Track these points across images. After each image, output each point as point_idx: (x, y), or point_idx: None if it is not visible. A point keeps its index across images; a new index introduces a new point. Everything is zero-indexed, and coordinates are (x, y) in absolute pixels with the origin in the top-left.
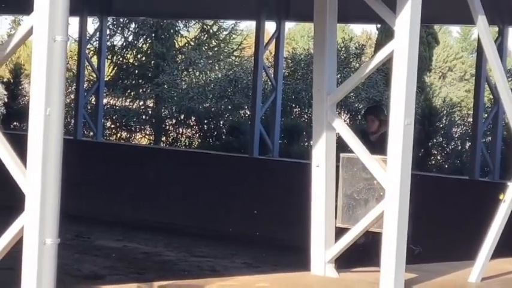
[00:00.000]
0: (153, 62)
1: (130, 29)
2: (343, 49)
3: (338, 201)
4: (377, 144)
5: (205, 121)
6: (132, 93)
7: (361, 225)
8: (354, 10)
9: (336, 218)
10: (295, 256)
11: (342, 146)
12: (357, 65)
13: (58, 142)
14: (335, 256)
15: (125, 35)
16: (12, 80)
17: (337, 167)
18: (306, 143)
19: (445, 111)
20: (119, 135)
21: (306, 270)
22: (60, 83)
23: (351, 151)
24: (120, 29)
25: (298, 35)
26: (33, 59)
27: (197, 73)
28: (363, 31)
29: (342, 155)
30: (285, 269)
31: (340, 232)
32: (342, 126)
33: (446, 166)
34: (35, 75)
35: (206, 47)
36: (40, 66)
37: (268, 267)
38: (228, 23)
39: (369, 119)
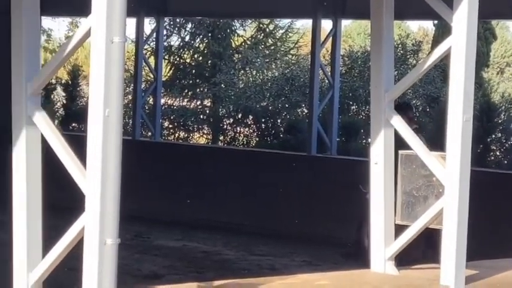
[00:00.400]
0: (210, 61)
1: (187, 29)
2: (400, 46)
3: (397, 198)
4: None
5: (263, 120)
6: (189, 93)
7: (421, 222)
8: (410, 7)
9: (395, 215)
10: None
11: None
12: (414, 61)
13: (117, 143)
14: (395, 253)
15: (182, 35)
16: (70, 82)
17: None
18: (364, 141)
19: (503, 107)
20: (176, 135)
21: (365, 267)
22: (118, 84)
23: (408, 148)
24: (176, 29)
25: (354, 32)
26: (91, 61)
27: (254, 72)
28: (419, 27)
29: (400, 152)
30: (344, 266)
31: (399, 229)
32: (399, 123)
33: (506, 162)
34: (93, 77)
35: (263, 46)
36: (98, 68)
37: (328, 265)
38: (285, 22)
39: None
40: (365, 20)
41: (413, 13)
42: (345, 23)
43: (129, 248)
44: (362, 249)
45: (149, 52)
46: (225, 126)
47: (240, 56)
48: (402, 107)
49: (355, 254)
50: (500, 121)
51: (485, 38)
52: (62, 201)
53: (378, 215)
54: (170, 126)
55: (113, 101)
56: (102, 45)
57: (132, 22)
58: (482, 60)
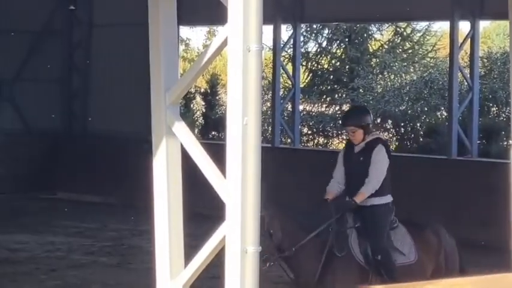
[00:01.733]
0: (347, 66)
1: (324, 34)
2: None
3: None
4: (363, 155)
5: (402, 124)
6: (327, 98)
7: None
8: None
9: None
10: (497, 257)
11: None
12: None
13: (256, 150)
14: None
15: (319, 41)
16: (209, 90)
17: None
18: (505, 143)
19: None
20: (316, 141)
21: (508, 271)
22: (256, 92)
23: None
24: (313, 35)
25: (493, 33)
26: (228, 69)
27: (392, 76)
28: None
29: None
30: (487, 270)
31: None
32: None
33: None
34: (231, 85)
35: (400, 50)
36: (236, 76)
37: (470, 269)
38: (422, 25)
39: (349, 131)
40: (504, 20)
41: None
42: (484, 24)
43: None
44: None
45: (286, 59)
46: None
47: (377, 60)
48: (351, 117)
49: None
50: None
51: None
52: (202, 209)
53: None
54: (309, 132)
55: (251, 109)
56: (239, 53)
57: (269, 29)
58: None
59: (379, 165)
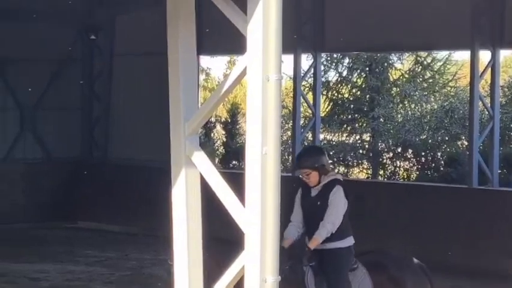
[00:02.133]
0: (368, 95)
1: (344, 63)
2: None
3: None
4: (320, 199)
5: (423, 153)
6: (348, 127)
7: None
8: None
9: None
10: None
11: None
12: None
13: (275, 180)
14: None
15: (339, 70)
16: (229, 120)
17: None
18: None
19: None
20: (336, 170)
21: None
22: (275, 122)
23: None
24: (334, 64)
25: None
26: (247, 99)
27: (412, 105)
28: None
29: None
30: None
31: None
32: None
33: None
34: (250, 115)
35: (421, 79)
36: (255, 106)
37: None
38: (442, 54)
39: (303, 174)
40: None
41: None
42: (504, 53)
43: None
44: None
45: (307, 88)
46: (385, 161)
47: (398, 89)
48: (304, 160)
49: None
50: None
51: None
52: (221, 235)
53: None
54: (330, 161)
55: (271, 139)
56: (258, 83)
57: (289, 58)
58: None
59: (335, 209)
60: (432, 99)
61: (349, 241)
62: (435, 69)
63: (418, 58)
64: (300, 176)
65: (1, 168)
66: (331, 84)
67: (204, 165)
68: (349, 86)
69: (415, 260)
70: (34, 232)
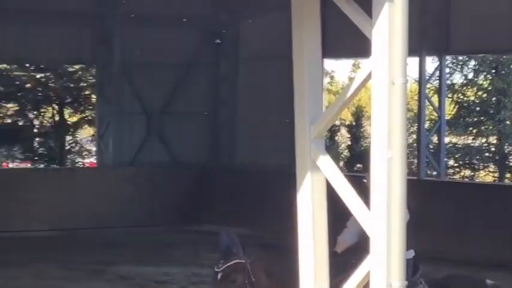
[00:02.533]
0: (494, 98)
1: (470, 66)
2: None
3: None
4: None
5: None
6: (473, 130)
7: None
8: None
9: None
10: None
11: None
12: None
13: (401, 184)
14: None
15: (465, 73)
16: (354, 123)
17: None
18: None
19: None
20: (462, 173)
21: None
22: (401, 125)
23: None
24: (459, 66)
25: None
26: (372, 103)
27: None
28: None
29: None
30: None
31: None
32: None
33: None
34: (375, 119)
35: None
36: (380, 110)
37: None
38: None
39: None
40: None
41: None
42: None
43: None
44: None
45: (432, 91)
46: None
47: None
48: None
49: None
50: None
51: None
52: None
53: None
54: (455, 164)
55: (396, 143)
56: (383, 87)
57: (414, 61)
58: None
59: None
60: None
61: (409, 254)
62: None
63: None
64: (365, 180)
65: (128, 171)
66: (456, 86)
67: (329, 168)
68: (474, 89)
69: (488, 281)
70: (160, 235)
